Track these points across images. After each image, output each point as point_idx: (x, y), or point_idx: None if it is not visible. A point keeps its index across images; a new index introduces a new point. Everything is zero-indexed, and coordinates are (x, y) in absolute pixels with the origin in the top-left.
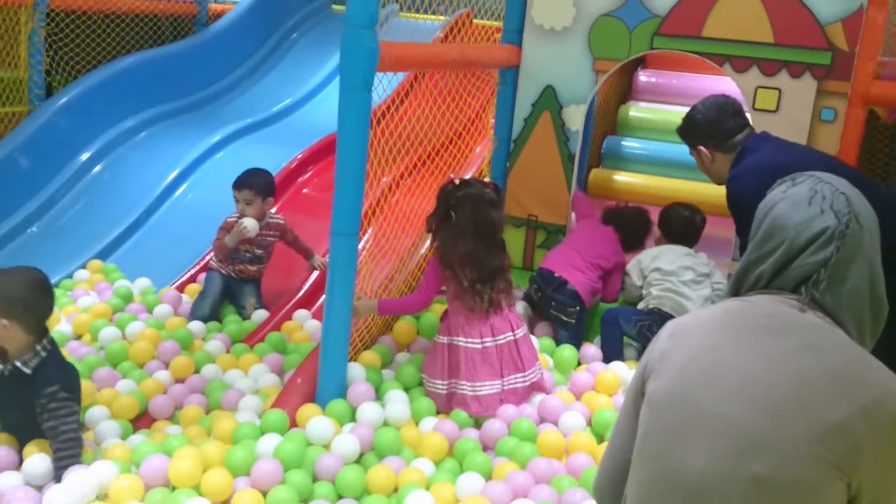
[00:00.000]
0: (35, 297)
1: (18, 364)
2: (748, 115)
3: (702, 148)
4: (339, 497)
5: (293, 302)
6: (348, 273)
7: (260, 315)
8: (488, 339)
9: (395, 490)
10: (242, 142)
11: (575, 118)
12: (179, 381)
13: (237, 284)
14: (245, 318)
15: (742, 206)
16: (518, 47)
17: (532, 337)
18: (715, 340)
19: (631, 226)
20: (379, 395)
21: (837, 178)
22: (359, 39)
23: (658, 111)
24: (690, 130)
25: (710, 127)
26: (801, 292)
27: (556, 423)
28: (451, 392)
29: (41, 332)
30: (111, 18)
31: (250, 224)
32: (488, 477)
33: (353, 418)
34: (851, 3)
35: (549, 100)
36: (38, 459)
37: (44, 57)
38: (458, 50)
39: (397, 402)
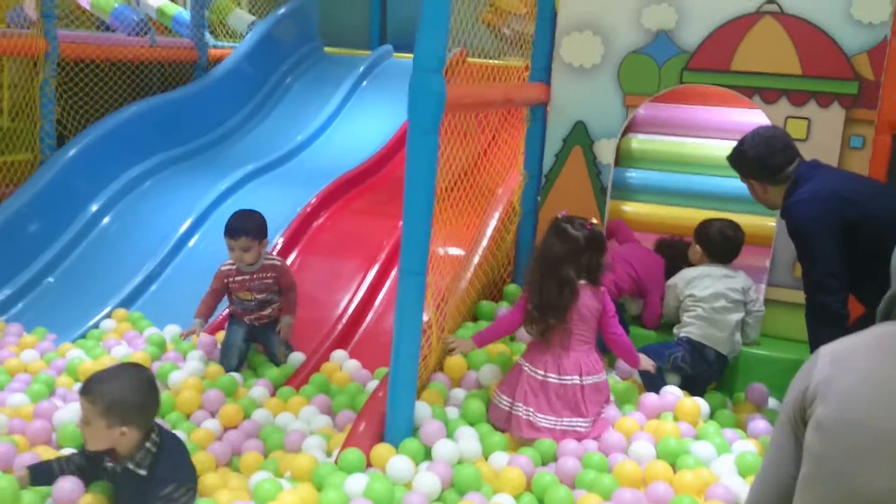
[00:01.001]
0: (148, 399)
1: (131, 466)
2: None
3: (753, 181)
4: None
5: (329, 343)
6: (416, 312)
7: (295, 358)
8: (552, 376)
9: None
10: (251, 186)
11: (606, 152)
12: (229, 428)
13: (262, 332)
14: (280, 361)
15: (803, 232)
16: (546, 85)
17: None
18: (882, 363)
19: (683, 259)
20: (447, 433)
21: None
22: (427, 83)
23: (658, 142)
24: (741, 164)
25: (760, 162)
26: None
27: (624, 453)
28: (510, 412)
29: (150, 429)
30: (117, 66)
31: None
32: None
33: (425, 457)
34: (876, 35)
35: (581, 134)
36: None
37: (54, 107)
38: (503, 90)
39: (469, 439)
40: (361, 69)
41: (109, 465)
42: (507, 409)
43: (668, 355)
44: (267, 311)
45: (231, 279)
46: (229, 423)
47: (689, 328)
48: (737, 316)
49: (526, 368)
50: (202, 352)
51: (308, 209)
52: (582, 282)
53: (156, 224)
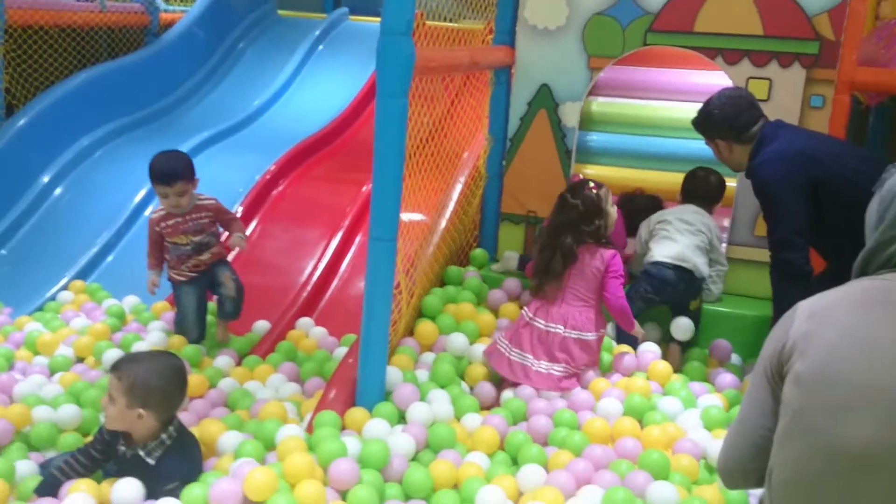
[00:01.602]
0: (173, 388)
1: (142, 453)
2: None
3: (720, 141)
4: (407, 497)
5: (294, 310)
6: (387, 278)
7: (260, 327)
8: (539, 321)
9: (456, 485)
10: (206, 154)
11: (571, 115)
12: (195, 398)
13: (207, 279)
14: (226, 295)
15: (770, 191)
16: (511, 47)
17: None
18: (861, 318)
19: (641, 213)
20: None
21: None
22: (396, 46)
23: (619, 105)
24: (707, 124)
25: (726, 122)
26: None
27: (593, 411)
28: (496, 346)
29: (170, 420)
30: (66, 33)
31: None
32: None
33: (399, 421)
34: None
35: (545, 98)
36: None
37: (2, 75)
38: (469, 53)
39: (442, 401)
40: (317, 33)
41: (122, 448)
42: (504, 352)
43: (634, 295)
44: (205, 257)
45: (163, 225)
46: (195, 394)
47: (649, 255)
48: (698, 239)
49: (522, 311)
50: (164, 322)
51: (267, 177)
52: (589, 242)
53: (110, 194)
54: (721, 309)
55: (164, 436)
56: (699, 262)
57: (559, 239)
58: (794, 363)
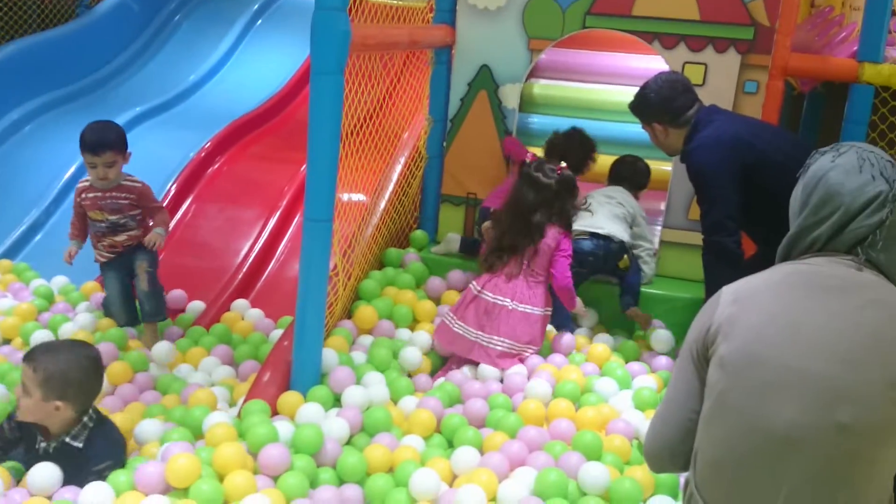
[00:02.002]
0: (91, 379)
1: (67, 439)
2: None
3: (656, 124)
4: (341, 481)
5: (229, 292)
6: (323, 259)
7: (195, 307)
8: (487, 293)
9: (391, 469)
10: (139, 130)
11: (511, 96)
12: (123, 382)
13: (127, 266)
14: (140, 289)
15: (704, 175)
16: (451, 27)
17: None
18: (786, 302)
19: (574, 148)
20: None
21: (873, 147)
22: (331, 22)
23: (560, 88)
24: (643, 107)
25: (663, 105)
26: (856, 253)
27: (522, 392)
28: (443, 321)
29: (86, 410)
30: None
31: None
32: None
33: (334, 404)
34: None
35: (486, 79)
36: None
37: None
38: (408, 31)
39: (378, 384)
40: (256, 7)
41: (42, 445)
42: (448, 325)
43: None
44: (121, 238)
45: (84, 196)
46: (121, 381)
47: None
48: (619, 210)
49: (471, 285)
50: (92, 303)
51: (202, 154)
52: (554, 221)
53: (39, 170)
54: (655, 291)
55: (85, 419)
56: (615, 229)
57: (531, 217)
58: (718, 346)
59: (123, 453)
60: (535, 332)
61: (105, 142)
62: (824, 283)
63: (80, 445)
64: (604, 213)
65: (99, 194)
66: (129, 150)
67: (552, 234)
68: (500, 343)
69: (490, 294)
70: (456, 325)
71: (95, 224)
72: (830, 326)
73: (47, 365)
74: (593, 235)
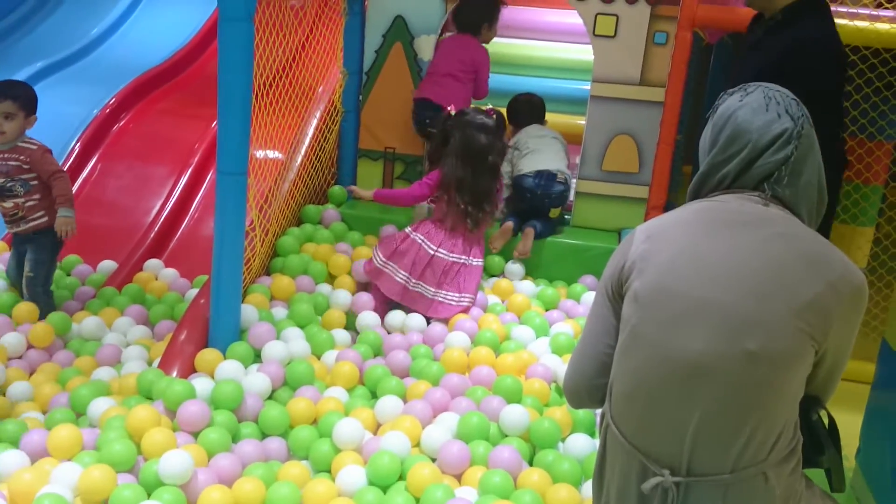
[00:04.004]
0: None
1: None
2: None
3: None
4: (264, 435)
5: (141, 251)
6: (238, 213)
7: (106, 266)
8: (442, 251)
9: (315, 421)
10: (40, 87)
11: (426, 48)
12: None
13: (23, 244)
14: (24, 273)
15: None
16: None
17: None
18: (695, 237)
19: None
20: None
21: (780, 87)
22: None
23: (507, 45)
24: None
25: None
26: (763, 189)
27: (442, 343)
28: (406, 287)
29: None
30: None
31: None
32: (404, 399)
33: (254, 360)
34: None
35: (401, 30)
36: None
37: None
38: None
39: (298, 339)
40: None
41: None
42: (402, 282)
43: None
44: (7, 205)
45: None
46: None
47: (517, 174)
48: (558, 145)
49: (419, 241)
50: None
51: (107, 111)
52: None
53: None
54: (570, 241)
55: None
56: (563, 167)
57: (489, 161)
58: (632, 282)
59: None
60: (477, 281)
61: (6, 91)
62: (732, 218)
63: None
64: (548, 148)
65: None
66: (35, 115)
67: None
68: (464, 299)
69: (445, 252)
70: (412, 285)
71: None
72: (738, 259)
73: None
74: (538, 173)
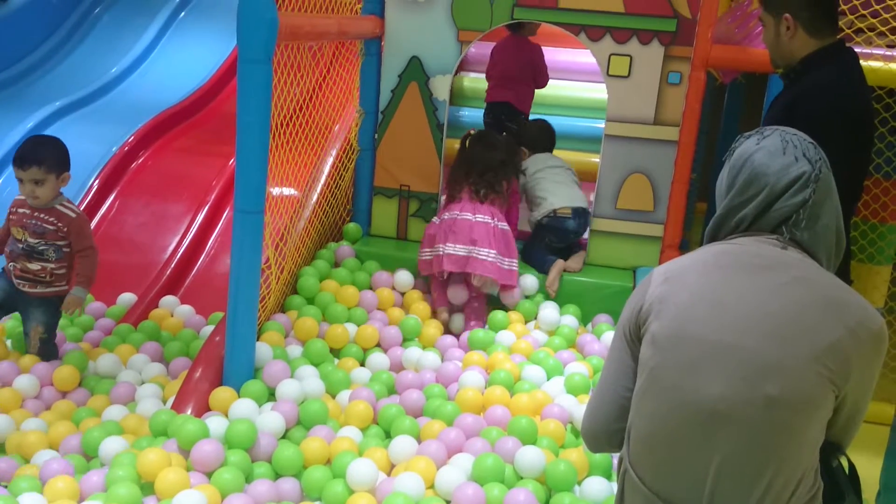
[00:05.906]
0: None
1: None
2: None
3: (787, 16)
4: (277, 475)
5: (157, 288)
6: (255, 252)
7: (126, 300)
8: (466, 214)
9: (329, 461)
10: (60, 124)
11: (442, 88)
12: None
13: (22, 300)
14: (29, 348)
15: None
16: (380, 18)
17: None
18: (713, 280)
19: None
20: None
21: (796, 130)
22: (258, 9)
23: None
24: None
25: None
26: (781, 232)
27: (456, 382)
28: (428, 260)
29: None
30: None
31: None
32: (418, 439)
33: (268, 398)
34: None
35: (416, 70)
36: None
37: None
38: (336, 22)
39: (312, 378)
40: None
41: None
42: (440, 254)
43: (540, 246)
44: (34, 267)
45: (15, 209)
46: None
47: (542, 206)
48: (572, 175)
49: (442, 219)
50: None
51: (126, 149)
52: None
53: None
54: (585, 279)
55: None
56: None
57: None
58: (650, 324)
59: None
60: (514, 249)
61: (32, 156)
62: (750, 261)
63: None
64: (567, 181)
65: (27, 212)
66: (68, 172)
67: None
68: (503, 261)
69: (470, 215)
70: (446, 250)
71: (14, 243)
72: (756, 303)
73: None
74: (575, 210)
